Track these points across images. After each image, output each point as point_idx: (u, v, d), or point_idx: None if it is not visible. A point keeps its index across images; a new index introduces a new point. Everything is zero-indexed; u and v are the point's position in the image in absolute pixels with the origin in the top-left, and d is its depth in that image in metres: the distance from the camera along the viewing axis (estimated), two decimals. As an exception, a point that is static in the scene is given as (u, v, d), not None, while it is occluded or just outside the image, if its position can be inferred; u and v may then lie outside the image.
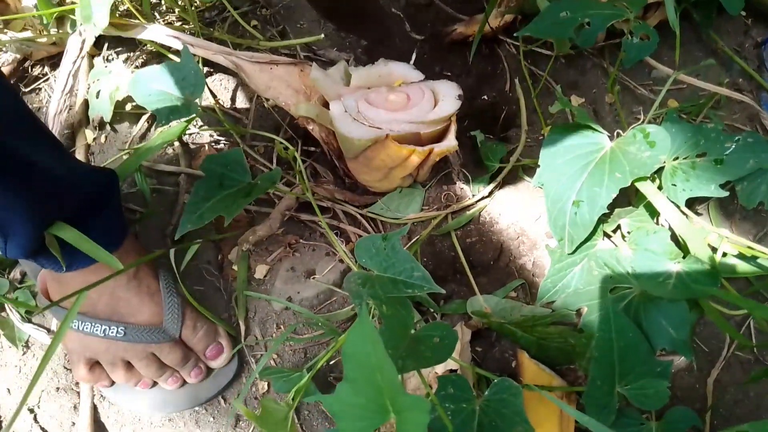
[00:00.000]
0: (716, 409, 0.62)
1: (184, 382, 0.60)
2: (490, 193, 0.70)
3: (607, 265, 0.58)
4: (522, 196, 0.71)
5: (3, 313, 0.63)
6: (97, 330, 0.55)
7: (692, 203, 0.65)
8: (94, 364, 0.58)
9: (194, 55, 0.71)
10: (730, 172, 0.57)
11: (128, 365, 0.58)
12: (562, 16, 0.63)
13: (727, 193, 0.57)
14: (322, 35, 0.73)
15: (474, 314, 0.64)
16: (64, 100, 0.70)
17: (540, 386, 0.57)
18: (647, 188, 0.56)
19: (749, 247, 0.58)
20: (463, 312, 0.65)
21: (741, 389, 0.62)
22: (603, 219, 0.60)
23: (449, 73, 0.79)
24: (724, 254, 0.61)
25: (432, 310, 0.66)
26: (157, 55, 0.78)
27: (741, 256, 0.61)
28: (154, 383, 0.60)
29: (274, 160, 0.73)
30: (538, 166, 0.61)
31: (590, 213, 0.55)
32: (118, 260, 0.42)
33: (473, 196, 0.70)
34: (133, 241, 0.60)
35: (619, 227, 0.62)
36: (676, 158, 0.59)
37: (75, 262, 0.52)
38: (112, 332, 0.55)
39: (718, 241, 0.60)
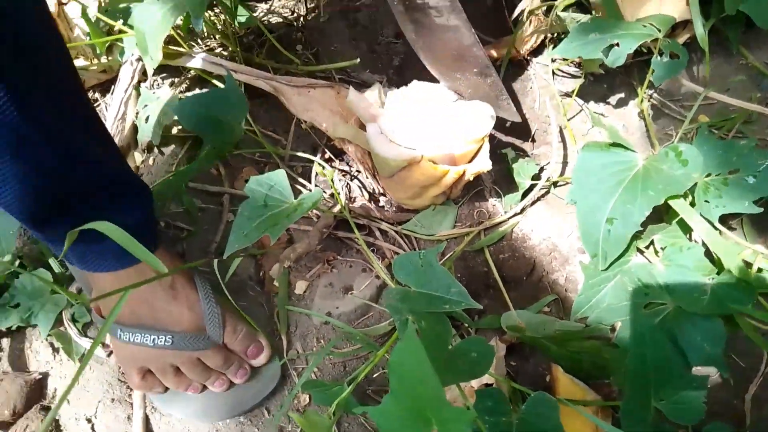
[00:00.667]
0: (755, 425, 0.62)
1: (231, 385, 0.63)
2: (522, 210, 0.72)
3: (641, 281, 0.58)
4: (553, 213, 0.72)
5: (62, 328, 0.67)
6: (147, 340, 0.59)
7: (725, 219, 0.65)
8: (146, 373, 0.62)
9: (236, 80, 0.75)
10: (764, 188, 0.57)
11: (177, 371, 0.61)
12: (591, 37, 0.65)
13: (760, 210, 0.58)
14: (358, 59, 0.76)
15: (508, 329, 0.65)
16: (117, 126, 0.74)
17: (574, 401, 0.58)
18: (680, 205, 0.57)
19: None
20: (497, 327, 0.66)
21: (778, 405, 0.62)
22: (636, 235, 0.61)
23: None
24: (760, 270, 0.61)
25: (467, 325, 0.67)
26: (200, 80, 0.81)
27: (776, 271, 0.61)
28: (204, 388, 0.63)
29: (313, 180, 0.76)
30: (569, 182, 0.62)
31: (624, 230, 0.57)
32: (162, 264, 0.44)
33: (505, 213, 0.72)
34: (165, 251, 0.63)
35: (652, 243, 0.63)
36: (709, 175, 0.60)
37: (105, 262, 0.56)
38: (160, 341, 0.59)
39: (753, 257, 0.60)
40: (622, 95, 0.79)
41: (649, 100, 0.77)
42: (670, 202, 0.57)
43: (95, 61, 0.81)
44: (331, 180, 0.66)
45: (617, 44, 0.64)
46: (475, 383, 0.63)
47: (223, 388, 0.62)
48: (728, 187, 0.59)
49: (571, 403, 0.58)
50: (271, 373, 0.64)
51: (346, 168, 0.77)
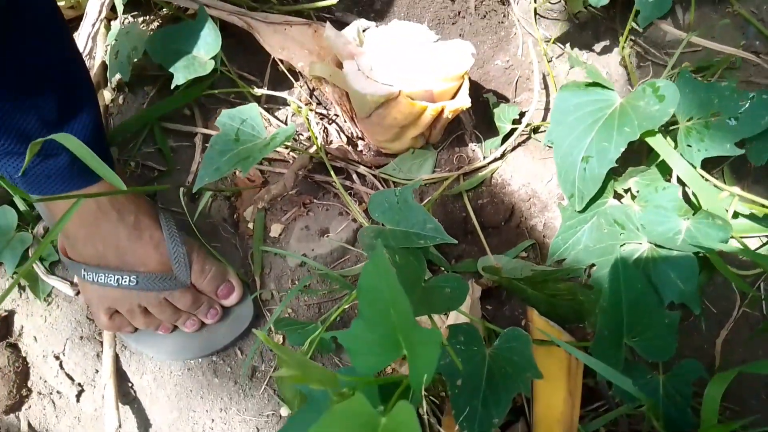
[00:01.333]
0: (724, 368, 0.62)
1: (203, 325, 0.62)
2: (502, 155, 0.71)
3: (617, 222, 0.58)
4: (534, 159, 0.71)
5: (31, 267, 0.65)
6: (110, 280, 0.57)
7: (706, 167, 0.65)
8: (114, 313, 0.61)
9: (210, 16, 0.72)
10: (745, 130, 0.57)
11: (146, 311, 0.60)
12: (575, -26, 0.63)
13: (742, 151, 0.57)
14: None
15: (485, 270, 0.65)
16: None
17: (549, 341, 0.59)
18: (660, 144, 0.56)
19: (762, 206, 0.58)
20: (473, 271, 0.66)
21: (749, 349, 0.62)
22: (614, 178, 0.60)
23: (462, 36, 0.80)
24: (736, 214, 0.61)
25: (443, 269, 0.67)
26: (173, 18, 0.78)
27: (753, 217, 0.61)
28: (175, 328, 0.62)
29: (289, 122, 0.74)
30: (546, 139, 0.61)
31: (599, 168, 0.56)
32: (120, 180, 0.42)
33: (485, 158, 0.71)
34: (124, 180, 0.61)
35: (629, 189, 0.62)
36: (690, 119, 0.59)
37: (53, 184, 0.54)
38: (125, 281, 0.57)
39: (729, 200, 0.60)
40: (607, 42, 0.77)
41: (632, 47, 0.76)
42: (651, 141, 0.57)
43: (62, -4, 0.78)
44: (307, 119, 0.64)
45: (602, -18, 0.63)
46: (451, 323, 0.63)
47: (194, 328, 0.61)
48: (710, 130, 0.58)
49: (543, 342, 0.59)
50: (243, 312, 0.63)
51: (324, 111, 0.75)
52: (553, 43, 0.77)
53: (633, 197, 0.62)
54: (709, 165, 0.67)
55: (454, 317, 0.63)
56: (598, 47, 0.77)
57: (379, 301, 0.37)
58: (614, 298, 0.52)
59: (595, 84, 0.59)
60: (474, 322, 0.61)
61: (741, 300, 0.63)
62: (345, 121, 0.74)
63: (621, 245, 0.57)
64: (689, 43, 0.71)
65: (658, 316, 0.52)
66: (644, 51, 0.75)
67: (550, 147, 0.62)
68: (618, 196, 0.62)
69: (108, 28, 0.77)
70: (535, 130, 0.72)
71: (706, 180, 0.60)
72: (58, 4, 0.77)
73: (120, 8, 0.67)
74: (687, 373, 0.54)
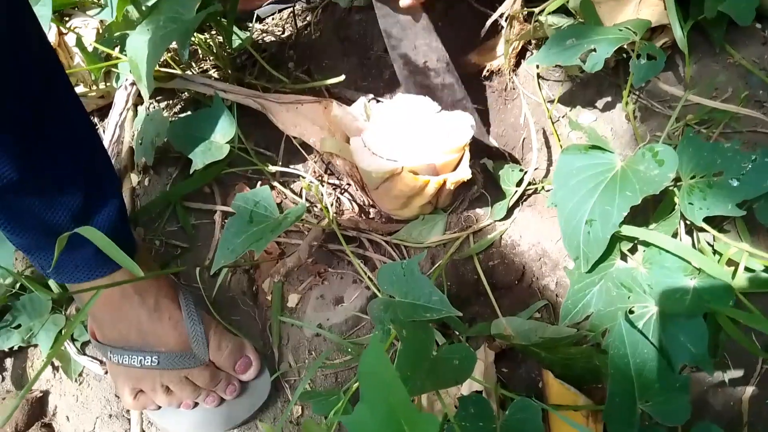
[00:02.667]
0: (753, 425, 0.61)
1: (222, 401, 0.64)
2: (508, 216, 0.72)
3: (624, 285, 0.58)
4: (542, 218, 0.72)
5: (61, 347, 0.69)
6: (134, 361, 0.61)
7: (720, 218, 0.65)
8: (139, 392, 0.63)
9: (227, 99, 0.77)
10: (747, 191, 0.57)
11: (168, 389, 0.63)
12: (568, 43, 0.66)
13: (743, 213, 0.57)
14: (343, 76, 0.78)
15: (496, 336, 0.65)
16: (113, 149, 0.77)
17: (564, 405, 0.58)
18: (635, 231, 0.57)
19: (773, 260, 0.58)
20: (487, 334, 0.67)
21: (779, 405, 0.61)
22: (619, 238, 0.61)
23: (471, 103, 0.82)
24: (748, 269, 0.61)
25: (458, 333, 0.68)
26: (195, 101, 0.84)
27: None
28: (196, 404, 0.64)
29: (303, 195, 0.77)
30: (549, 201, 0.62)
31: (603, 231, 0.57)
32: (138, 267, 0.46)
33: (493, 219, 0.72)
34: (146, 262, 0.65)
35: (636, 247, 0.63)
36: (693, 177, 0.60)
37: (79, 273, 0.57)
38: (147, 361, 0.61)
39: (739, 256, 0.60)
40: (610, 99, 0.79)
41: (635, 103, 0.77)
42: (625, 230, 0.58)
43: (93, 87, 0.84)
44: (318, 194, 0.68)
45: (594, 49, 0.65)
46: (466, 390, 0.64)
47: (214, 404, 0.64)
48: (712, 189, 0.58)
49: (559, 407, 0.58)
50: (261, 386, 0.65)
51: (337, 182, 0.79)
52: (557, 103, 0.79)
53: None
54: (724, 216, 0.66)
55: (468, 383, 0.64)
56: (601, 104, 0.79)
57: (378, 387, 0.39)
58: (620, 363, 0.52)
59: (595, 147, 0.61)
60: (486, 389, 0.61)
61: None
62: (357, 191, 0.77)
63: (629, 309, 0.57)
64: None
65: (668, 379, 0.51)
66: (648, 106, 0.77)
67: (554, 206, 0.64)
68: (624, 256, 0.63)
69: (135, 113, 0.83)
70: (541, 189, 0.73)
71: (721, 238, 0.60)
72: (90, 93, 0.84)
73: (146, 97, 0.72)
74: (705, 437, 0.53)
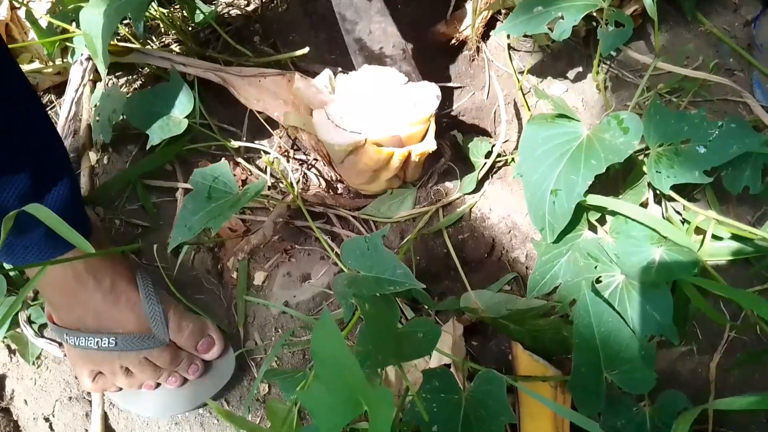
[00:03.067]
0: (720, 393, 0.61)
1: (185, 381, 0.63)
2: (478, 189, 0.71)
3: (590, 255, 0.58)
4: (512, 191, 0.71)
5: (18, 329, 0.67)
6: (91, 343, 0.59)
7: (690, 188, 0.64)
8: (98, 374, 0.62)
9: (187, 74, 0.75)
10: (714, 159, 0.56)
11: (128, 371, 0.61)
12: (535, 11, 0.64)
13: (710, 180, 0.57)
14: (307, 48, 0.75)
15: (465, 310, 0.64)
16: (69, 126, 0.74)
17: (533, 377, 0.58)
18: (600, 200, 0.56)
19: (738, 229, 0.58)
20: (456, 308, 0.66)
21: (744, 372, 0.61)
22: (587, 209, 0.60)
23: (436, 74, 0.81)
24: (715, 237, 0.60)
25: (427, 308, 0.67)
26: (155, 76, 0.81)
27: (736, 238, 0.60)
28: (158, 385, 0.63)
29: (268, 171, 0.75)
30: (516, 171, 0.61)
31: (568, 201, 0.56)
32: (89, 244, 0.44)
33: (462, 193, 0.71)
34: (100, 243, 0.63)
35: (605, 218, 0.62)
36: (661, 145, 0.59)
37: (30, 254, 0.55)
38: (104, 343, 0.59)
39: (707, 224, 0.60)
40: (581, 69, 0.78)
41: (606, 73, 0.76)
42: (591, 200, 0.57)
43: (49, 63, 0.81)
44: (280, 169, 0.66)
45: (562, 17, 0.63)
46: (435, 364, 0.63)
47: (177, 384, 0.62)
48: (680, 157, 0.58)
49: (528, 379, 0.58)
50: (226, 365, 0.64)
51: (303, 157, 0.77)
52: (528, 74, 0.78)
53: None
54: (693, 185, 0.66)
55: (437, 358, 0.63)
56: (572, 74, 0.77)
57: (333, 365, 0.38)
58: (585, 333, 0.52)
59: (561, 116, 0.60)
60: (455, 362, 0.61)
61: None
62: (324, 166, 0.75)
63: (596, 278, 0.57)
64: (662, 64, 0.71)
65: (633, 348, 0.51)
66: (619, 76, 0.76)
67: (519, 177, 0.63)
68: (593, 227, 0.62)
69: (93, 89, 0.80)
70: (511, 161, 0.72)
71: (690, 206, 0.60)
72: (45, 70, 0.81)
73: (103, 73, 0.70)
74: (671, 405, 0.53)
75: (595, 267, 0.57)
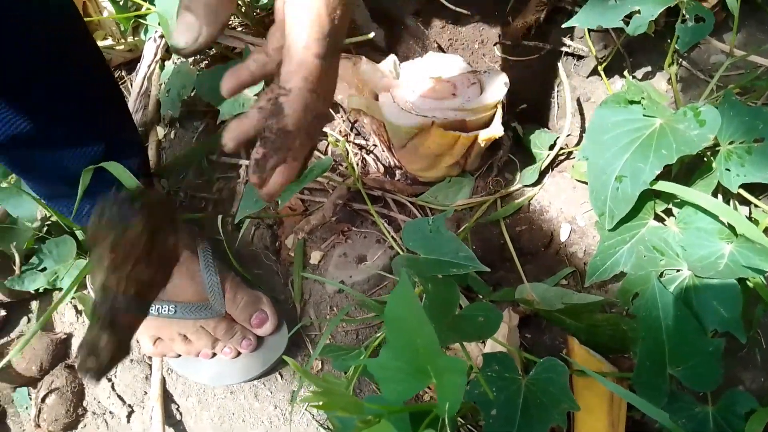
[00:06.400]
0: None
1: (239, 354, 0.64)
2: (539, 181, 0.71)
3: (655, 249, 0.57)
4: (572, 185, 0.71)
5: (85, 291, 0.70)
6: (152, 309, 0.60)
7: (760, 189, 0.62)
8: (158, 339, 0.64)
9: (254, 55, 0.76)
10: (788, 158, 0.55)
11: (185, 338, 0.63)
12: (611, 3, 0.63)
13: None
14: (373, 33, 0.76)
15: (520, 302, 0.64)
16: (140, 101, 0.77)
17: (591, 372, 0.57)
18: (672, 187, 0.55)
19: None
20: (511, 299, 0.66)
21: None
22: (653, 198, 0.59)
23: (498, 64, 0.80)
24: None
25: (481, 297, 0.67)
26: (221, 57, 0.83)
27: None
28: (215, 354, 0.64)
29: (329, 154, 0.76)
30: (580, 154, 0.61)
31: (632, 188, 0.55)
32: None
33: (522, 184, 0.71)
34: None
35: (670, 210, 0.61)
36: (732, 142, 0.58)
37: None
38: (164, 310, 0.61)
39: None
40: (650, 63, 0.76)
41: (678, 68, 0.74)
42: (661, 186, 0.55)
43: (121, 40, 0.84)
44: (345, 151, 0.67)
45: (639, 10, 0.62)
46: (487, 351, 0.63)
47: (231, 355, 0.64)
48: (752, 155, 0.56)
49: (587, 371, 0.57)
50: (278, 342, 0.64)
51: (362, 142, 0.78)
52: (600, 67, 0.76)
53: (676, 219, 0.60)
54: (762, 186, 0.64)
55: (491, 346, 0.63)
56: (641, 68, 0.76)
57: (405, 330, 0.38)
58: (653, 326, 0.51)
59: (636, 101, 0.59)
60: (510, 352, 0.60)
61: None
62: (383, 151, 0.76)
63: (661, 272, 0.56)
64: (737, 63, 0.69)
65: (700, 344, 0.50)
66: (691, 73, 0.74)
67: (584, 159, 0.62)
68: (658, 218, 0.61)
69: (162, 68, 0.82)
70: (570, 154, 0.71)
71: (752, 203, 0.58)
72: (117, 47, 0.84)
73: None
74: (737, 405, 0.52)
75: (661, 261, 0.56)
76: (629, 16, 0.63)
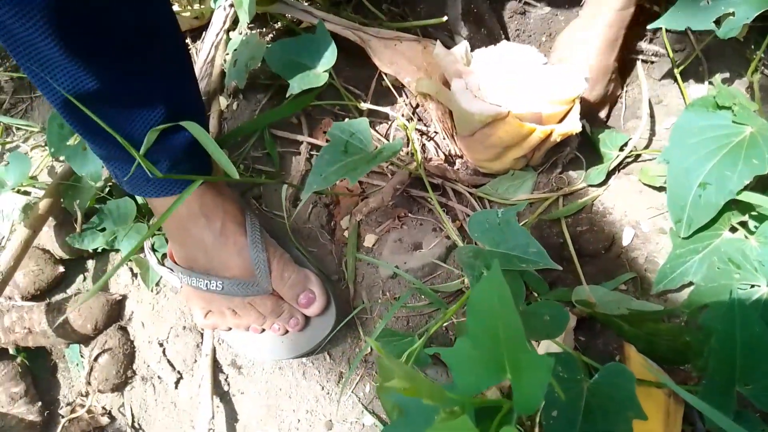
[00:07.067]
0: None
1: (287, 331, 0.64)
2: (605, 182, 0.69)
3: (732, 261, 0.55)
4: (640, 188, 0.69)
5: (142, 255, 0.70)
6: (200, 284, 0.60)
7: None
8: (209, 312, 0.63)
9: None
10: None
11: (235, 312, 0.63)
12: (702, 4, 0.61)
13: None
14: (445, 17, 0.74)
15: (578, 303, 0.63)
16: (206, 69, 0.76)
17: (648, 381, 0.56)
18: (758, 198, 0.53)
19: None
20: (567, 300, 0.64)
21: None
22: (731, 209, 0.57)
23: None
24: None
25: (537, 295, 0.65)
26: (287, 31, 0.82)
27: None
28: (264, 330, 0.64)
29: (391, 138, 0.75)
30: (661, 157, 0.59)
31: (716, 197, 0.53)
32: (233, 167, 0.45)
33: (587, 183, 0.69)
34: (222, 184, 0.63)
35: (747, 223, 0.58)
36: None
37: (149, 187, 0.56)
38: (212, 286, 0.60)
39: None
40: (730, 69, 0.73)
41: (762, 75, 0.71)
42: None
43: (188, 7, 0.84)
44: (409, 135, 0.65)
45: (732, 13, 0.59)
46: (542, 352, 0.61)
47: (279, 333, 0.63)
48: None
49: (641, 383, 0.56)
50: (324, 323, 0.64)
51: (423, 128, 0.76)
52: (677, 70, 0.74)
53: (750, 232, 0.58)
54: None
55: (546, 347, 0.62)
56: (720, 75, 0.73)
57: (488, 319, 0.37)
58: (726, 341, 0.49)
59: (725, 107, 0.56)
60: (567, 353, 0.59)
61: None
62: (444, 139, 0.74)
63: (736, 286, 0.54)
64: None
65: (776, 364, 0.48)
66: (770, 80, 0.71)
67: (662, 176, 0.60)
68: (733, 229, 0.59)
69: (228, 36, 0.82)
70: (639, 157, 0.69)
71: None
72: (184, 13, 0.84)
73: (245, 20, 0.71)
74: (807, 433, 0.50)
75: (737, 274, 0.54)
76: (719, 19, 0.60)
